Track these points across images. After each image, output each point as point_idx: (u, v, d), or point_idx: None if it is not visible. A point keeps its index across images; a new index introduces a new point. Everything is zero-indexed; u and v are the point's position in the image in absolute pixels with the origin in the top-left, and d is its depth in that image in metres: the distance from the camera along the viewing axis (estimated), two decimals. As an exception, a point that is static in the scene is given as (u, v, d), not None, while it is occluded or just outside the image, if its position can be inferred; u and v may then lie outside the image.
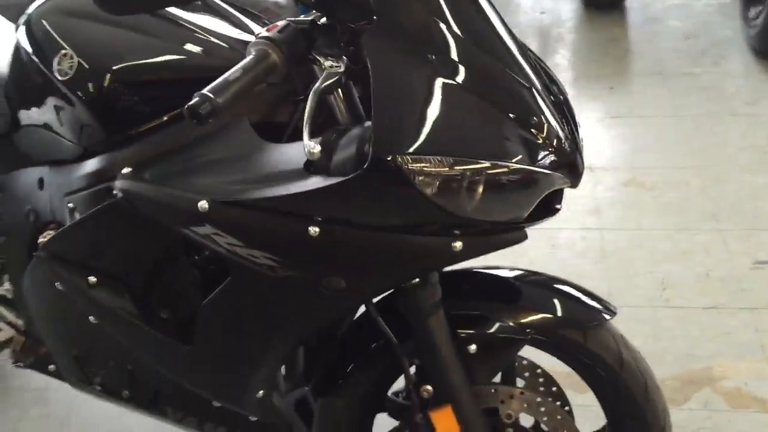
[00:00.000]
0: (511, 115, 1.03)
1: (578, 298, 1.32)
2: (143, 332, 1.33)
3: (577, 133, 1.13)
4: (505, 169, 1.01)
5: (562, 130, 1.08)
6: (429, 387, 1.28)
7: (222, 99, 0.96)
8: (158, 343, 1.33)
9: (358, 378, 1.36)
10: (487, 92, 1.03)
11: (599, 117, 3.19)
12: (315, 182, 1.03)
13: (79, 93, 1.27)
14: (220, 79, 0.98)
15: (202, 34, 1.29)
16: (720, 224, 2.52)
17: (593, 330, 1.30)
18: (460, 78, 1.02)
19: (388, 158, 0.96)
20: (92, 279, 1.32)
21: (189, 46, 1.28)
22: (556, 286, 1.35)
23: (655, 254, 2.42)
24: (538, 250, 2.46)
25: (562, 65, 3.63)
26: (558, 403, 1.42)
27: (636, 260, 2.40)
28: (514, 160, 1.02)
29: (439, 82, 1.01)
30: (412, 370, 1.31)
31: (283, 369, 1.46)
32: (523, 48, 1.13)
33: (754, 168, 2.79)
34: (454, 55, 1.04)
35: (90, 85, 1.26)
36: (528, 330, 1.26)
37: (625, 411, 1.34)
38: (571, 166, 1.08)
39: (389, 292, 1.26)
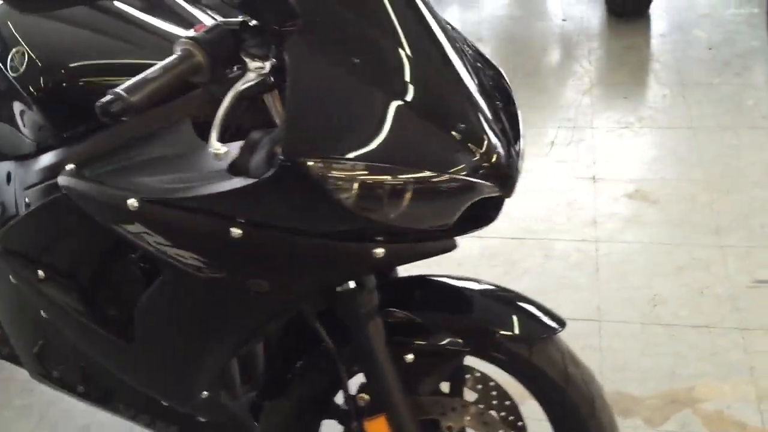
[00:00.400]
0: (435, 121, 1.01)
1: (527, 311, 1.29)
2: (90, 329, 1.33)
3: (515, 138, 1.10)
4: (422, 176, 0.98)
5: (494, 135, 1.04)
6: (366, 395, 1.26)
7: (136, 97, 0.96)
8: (104, 341, 1.33)
9: (302, 383, 1.34)
10: (411, 96, 1.01)
11: (609, 126, 3.12)
12: (234, 183, 1.03)
13: (29, 88, 1.29)
14: (137, 78, 0.98)
15: (152, 32, 1.30)
16: (721, 240, 2.44)
17: (539, 344, 1.27)
18: (383, 82, 1.00)
19: (297, 161, 0.95)
20: (41, 273, 1.33)
21: (139, 44, 1.29)
22: (506, 298, 1.31)
23: (650, 269, 2.35)
24: (532, 260, 2.41)
25: (578, 73, 3.57)
26: (511, 417, 1.39)
27: (629, 274, 2.34)
28: (434, 168, 0.99)
29: (360, 86, 0.99)
30: (361, 377, 1.29)
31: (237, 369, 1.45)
32: (461, 50, 1.10)
33: (765, 183, 2.70)
34: (379, 59, 1.02)
35: (39, 80, 1.27)
36: (470, 341, 1.24)
37: (571, 427, 1.30)
38: (501, 175, 1.04)
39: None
